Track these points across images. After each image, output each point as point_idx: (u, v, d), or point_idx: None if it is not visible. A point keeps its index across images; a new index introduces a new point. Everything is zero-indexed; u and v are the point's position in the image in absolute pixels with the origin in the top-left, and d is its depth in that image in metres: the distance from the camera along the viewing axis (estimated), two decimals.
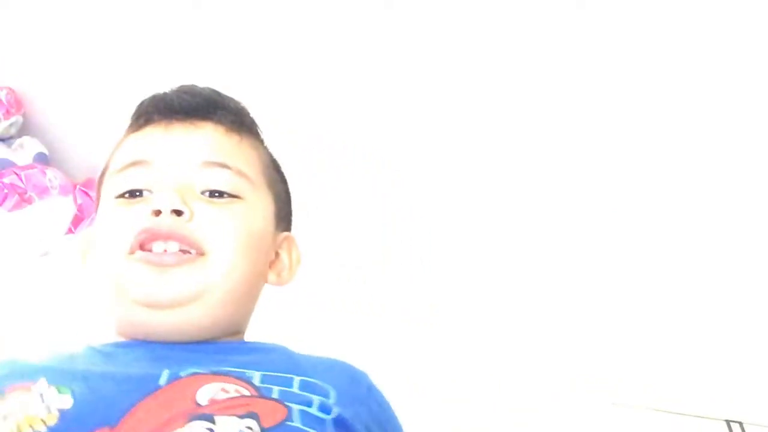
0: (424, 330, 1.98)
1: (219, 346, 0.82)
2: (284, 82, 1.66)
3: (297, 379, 0.74)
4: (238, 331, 0.87)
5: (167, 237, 0.79)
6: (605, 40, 1.54)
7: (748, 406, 2.05)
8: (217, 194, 0.84)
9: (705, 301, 2.00)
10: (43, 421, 0.66)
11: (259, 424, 0.65)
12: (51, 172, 2.01)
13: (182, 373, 0.72)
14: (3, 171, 1.99)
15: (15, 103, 2.05)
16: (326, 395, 0.73)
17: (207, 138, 0.87)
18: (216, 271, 0.80)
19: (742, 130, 1.66)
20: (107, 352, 0.80)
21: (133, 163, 0.85)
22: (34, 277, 2.06)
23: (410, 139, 1.69)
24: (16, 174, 1.94)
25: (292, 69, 1.64)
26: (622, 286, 1.98)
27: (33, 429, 0.65)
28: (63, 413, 0.67)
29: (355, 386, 0.78)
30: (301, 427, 0.67)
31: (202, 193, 0.83)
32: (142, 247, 0.78)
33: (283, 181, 0.96)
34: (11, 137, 2.08)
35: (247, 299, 0.87)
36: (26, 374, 0.73)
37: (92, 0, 1.87)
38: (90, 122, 2.10)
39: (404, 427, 0.82)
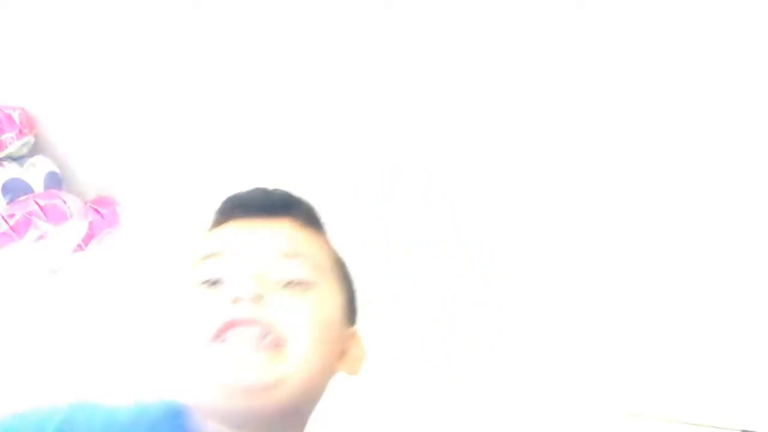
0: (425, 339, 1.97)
1: None
2: (283, 82, 1.68)
3: None
4: (303, 421, 0.91)
5: (248, 323, 0.82)
6: (605, 40, 1.56)
7: (765, 416, 2.02)
8: (293, 284, 0.87)
9: (721, 310, 1.99)
10: None
11: None
12: (70, 200, 2.03)
13: None
14: (21, 198, 2.01)
15: (27, 124, 2.08)
16: None
17: (284, 231, 0.92)
18: (294, 361, 0.83)
19: (741, 131, 1.67)
20: None
21: (213, 254, 0.89)
22: (43, 295, 2.08)
23: (409, 140, 1.71)
24: (38, 205, 1.96)
25: (291, 69, 1.66)
26: (636, 293, 1.97)
27: None
28: None
29: None
30: None
31: (278, 283, 0.87)
32: (222, 335, 0.81)
33: (350, 279, 1.00)
34: (23, 157, 2.11)
35: (319, 390, 0.90)
36: None
37: (103, 21, 1.91)
38: (101, 141, 2.13)
39: None
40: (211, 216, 0.97)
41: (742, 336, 1.98)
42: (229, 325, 0.81)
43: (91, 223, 2.11)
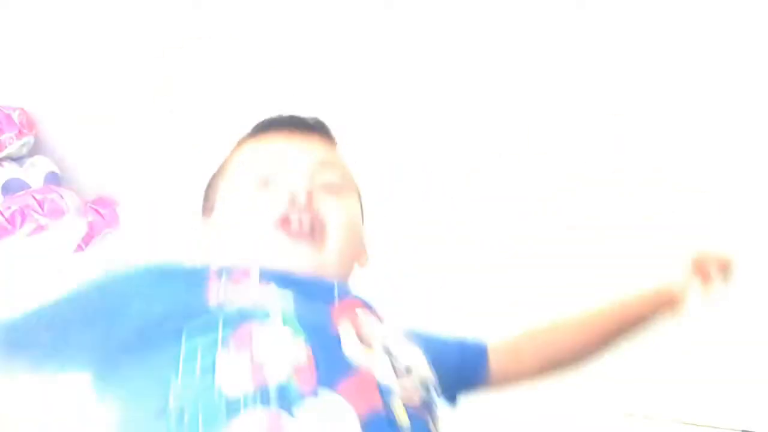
0: None
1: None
2: (283, 83, 1.69)
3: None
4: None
5: (304, 211, 0.97)
6: (605, 40, 1.56)
7: (765, 416, 2.02)
8: (330, 187, 1.02)
9: (721, 310, 1.98)
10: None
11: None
12: (68, 195, 2.02)
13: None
14: (18, 193, 2.01)
15: (27, 124, 2.08)
16: None
17: (320, 144, 1.07)
18: (332, 253, 0.97)
19: (741, 130, 1.67)
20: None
21: (267, 157, 1.03)
22: (43, 296, 2.07)
23: (408, 139, 1.71)
24: (35, 199, 1.95)
25: (291, 70, 1.66)
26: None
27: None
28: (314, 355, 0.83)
29: None
30: None
31: (318, 185, 1.00)
32: (283, 223, 0.96)
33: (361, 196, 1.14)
34: (23, 157, 2.11)
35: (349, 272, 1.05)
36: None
37: (102, 23, 1.91)
38: (100, 142, 2.13)
39: None
40: (245, 131, 1.09)
41: (743, 336, 1.98)
42: (290, 212, 0.96)
43: (91, 223, 2.11)
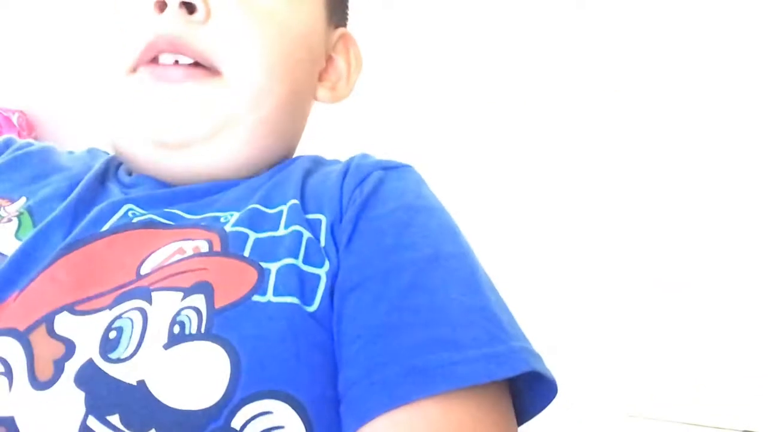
0: None
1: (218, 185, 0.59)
2: None
3: (285, 211, 0.53)
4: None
5: (172, 49, 0.57)
6: (605, 39, 1.56)
7: (766, 416, 2.01)
8: None
9: (722, 311, 1.98)
10: None
11: (210, 303, 0.46)
12: None
13: (135, 219, 0.54)
14: None
15: (27, 126, 2.08)
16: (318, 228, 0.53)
17: None
18: (240, 98, 0.58)
19: (741, 130, 1.67)
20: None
21: None
22: None
23: (407, 139, 1.71)
24: None
25: None
26: (638, 294, 1.96)
27: None
28: None
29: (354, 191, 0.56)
30: (275, 300, 0.47)
31: None
32: (146, 61, 0.58)
33: None
34: None
35: (288, 130, 0.63)
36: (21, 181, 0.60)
37: (103, 24, 1.91)
38: (100, 144, 2.12)
39: None
40: None
41: (743, 336, 1.98)
42: (149, 50, 0.57)
43: None
